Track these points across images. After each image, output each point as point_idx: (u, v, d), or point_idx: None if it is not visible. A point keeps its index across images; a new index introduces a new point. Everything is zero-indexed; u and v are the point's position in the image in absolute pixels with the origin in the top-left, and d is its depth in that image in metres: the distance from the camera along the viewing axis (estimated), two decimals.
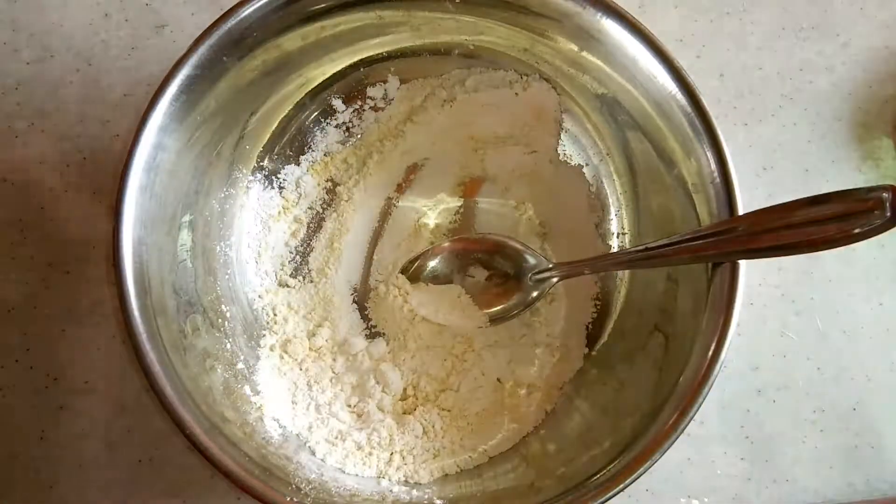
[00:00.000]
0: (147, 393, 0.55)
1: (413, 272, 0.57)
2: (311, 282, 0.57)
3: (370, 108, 0.58)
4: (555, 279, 0.55)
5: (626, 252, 0.51)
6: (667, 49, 0.47)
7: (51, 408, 0.55)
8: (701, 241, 0.45)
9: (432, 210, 0.59)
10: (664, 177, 0.51)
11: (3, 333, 0.55)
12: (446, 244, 0.57)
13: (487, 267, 0.57)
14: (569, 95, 0.57)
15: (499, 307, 0.56)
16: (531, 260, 0.55)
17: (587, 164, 0.58)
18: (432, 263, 0.57)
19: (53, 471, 0.54)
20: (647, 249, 0.47)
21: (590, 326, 0.56)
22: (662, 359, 0.49)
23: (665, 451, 0.43)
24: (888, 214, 0.38)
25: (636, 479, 0.42)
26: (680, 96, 0.47)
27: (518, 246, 0.56)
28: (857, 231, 0.39)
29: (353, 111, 0.58)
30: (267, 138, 0.57)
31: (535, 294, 0.55)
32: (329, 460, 0.51)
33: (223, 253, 0.54)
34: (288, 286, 0.57)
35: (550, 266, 0.55)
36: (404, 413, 0.54)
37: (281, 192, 0.57)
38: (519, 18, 0.52)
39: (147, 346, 0.43)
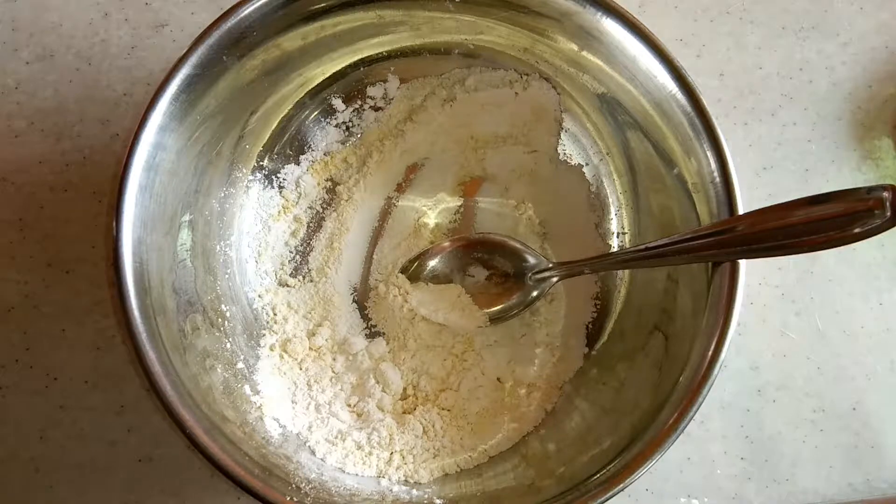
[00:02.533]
0: (147, 393, 0.55)
1: (413, 272, 0.57)
2: (311, 281, 0.57)
3: (370, 107, 0.58)
4: (554, 279, 0.55)
5: (625, 252, 0.51)
6: (667, 49, 0.47)
7: (51, 408, 0.55)
8: (700, 241, 0.45)
9: (432, 210, 0.59)
10: (664, 177, 0.51)
11: (3, 333, 0.55)
12: (446, 244, 0.57)
13: (487, 266, 0.57)
14: (569, 95, 0.57)
15: (499, 307, 0.56)
16: (531, 259, 0.56)
17: (587, 164, 0.58)
18: (432, 263, 0.57)
19: (53, 471, 0.54)
20: (646, 249, 0.47)
21: (590, 326, 0.56)
22: (662, 359, 0.49)
23: (665, 451, 0.43)
24: (888, 214, 0.38)
25: (636, 478, 0.42)
26: (680, 96, 0.47)
27: (518, 245, 0.56)
28: (857, 230, 0.39)
29: (353, 111, 0.58)
30: (267, 138, 0.57)
31: (535, 294, 0.55)
32: (329, 460, 0.51)
33: (223, 252, 0.54)
34: (288, 286, 0.57)
35: (550, 266, 0.55)
36: (404, 413, 0.54)
37: (281, 192, 0.57)
38: (519, 18, 0.51)
39: (147, 346, 0.43)
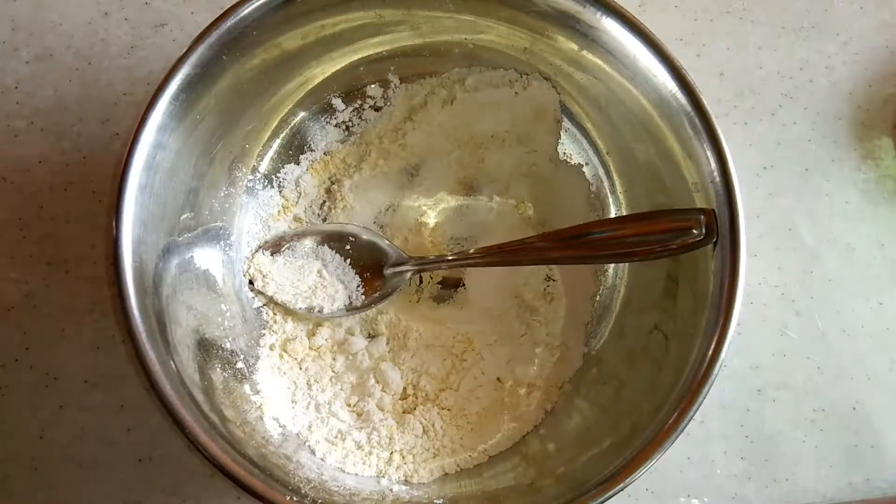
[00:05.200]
0: (147, 393, 0.55)
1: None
2: None
3: (370, 107, 0.58)
4: (408, 273, 0.55)
5: (479, 249, 0.52)
6: (667, 48, 0.47)
7: (51, 408, 0.55)
8: (548, 244, 0.49)
9: (432, 209, 0.59)
10: (664, 176, 0.51)
11: (3, 333, 0.55)
12: (306, 230, 0.56)
13: (344, 257, 0.56)
14: (569, 94, 0.57)
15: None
16: (387, 251, 0.55)
17: (587, 164, 0.58)
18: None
19: (53, 471, 0.54)
20: (499, 248, 0.51)
21: (589, 325, 0.56)
22: (662, 359, 0.49)
23: (665, 451, 0.43)
24: (703, 233, 0.44)
25: (636, 478, 0.42)
26: (680, 95, 0.47)
27: (372, 238, 0.56)
28: (675, 245, 0.45)
29: (353, 110, 0.58)
30: (267, 137, 0.57)
31: (393, 285, 0.55)
32: (329, 459, 0.51)
33: (223, 252, 0.54)
34: None
35: (405, 259, 0.55)
36: (404, 412, 0.54)
37: (281, 192, 0.57)
38: (519, 17, 0.51)
39: (147, 346, 0.43)
